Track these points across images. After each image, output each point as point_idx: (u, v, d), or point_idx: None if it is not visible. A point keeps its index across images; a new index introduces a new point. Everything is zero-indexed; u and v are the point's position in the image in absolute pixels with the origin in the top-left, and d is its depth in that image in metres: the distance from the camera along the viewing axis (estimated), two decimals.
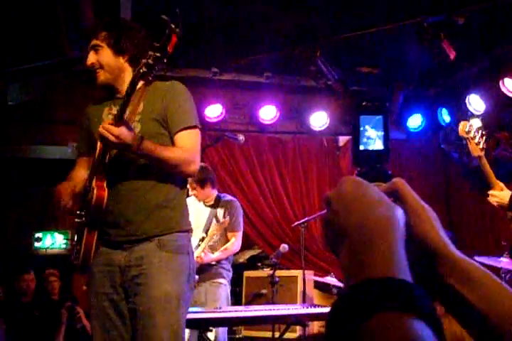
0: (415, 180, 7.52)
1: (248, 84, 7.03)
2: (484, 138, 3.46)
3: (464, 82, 6.56)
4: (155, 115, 2.84)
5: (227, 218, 5.19)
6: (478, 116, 3.65)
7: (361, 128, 1.15)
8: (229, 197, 5.53)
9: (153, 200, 2.79)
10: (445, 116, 6.94)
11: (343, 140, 7.56)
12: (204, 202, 5.44)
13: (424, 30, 5.70)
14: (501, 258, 5.31)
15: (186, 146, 2.81)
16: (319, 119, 7.10)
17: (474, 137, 3.44)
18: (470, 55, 6.15)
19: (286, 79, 7.02)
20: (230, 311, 4.54)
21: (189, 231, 2.92)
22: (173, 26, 2.51)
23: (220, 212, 5.40)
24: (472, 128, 3.44)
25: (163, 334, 2.64)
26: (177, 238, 2.82)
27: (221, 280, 5.24)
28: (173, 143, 2.84)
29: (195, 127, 2.87)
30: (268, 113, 6.98)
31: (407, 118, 7.31)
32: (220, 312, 4.55)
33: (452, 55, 5.81)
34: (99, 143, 2.75)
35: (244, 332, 5.87)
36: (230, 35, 5.99)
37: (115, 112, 2.74)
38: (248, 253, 6.92)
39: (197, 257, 4.98)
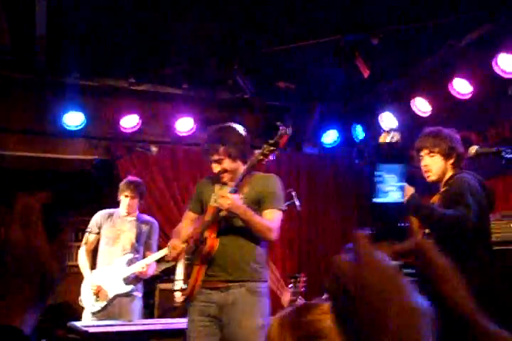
0: (329, 195, 7.65)
1: (165, 95, 6.97)
2: None
3: (378, 100, 6.74)
4: (254, 196, 3.82)
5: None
6: (398, 130, 3.72)
7: (379, 178, 1.05)
8: (148, 217, 5.77)
9: (246, 255, 3.82)
10: (359, 132, 7.11)
11: (258, 153, 7.57)
12: (129, 215, 5.58)
13: (340, 48, 5.81)
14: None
15: (271, 220, 3.77)
16: None
17: None
18: (384, 74, 6.33)
19: (203, 91, 6.99)
20: (142, 324, 4.51)
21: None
22: (285, 131, 3.59)
23: (143, 226, 5.61)
24: (393, 140, 3.52)
25: None
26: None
27: (136, 293, 5.42)
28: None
29: (280, 209, 3.87)
30: (184, 124, 6.93)
31: (322, 133, 7.43)
32: (132, 325, 4.55)
33: (366, 74, 5.95)
34: (210, 207, 3.85)
35: None
36: (147, 45, 5.92)
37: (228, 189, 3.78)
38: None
39: (143, 268, 5.33)
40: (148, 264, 5.33)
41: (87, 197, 7.21)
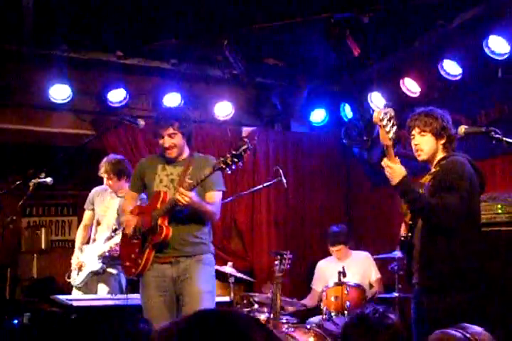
0: (316, 174, 7.66)
1: (153, 70, 6.90)
2: (395, 128, 3.54)
3: (367, 80, 6.71)
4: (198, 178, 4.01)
5: None
6: (392, 107, 3.69)
7: None
8: None
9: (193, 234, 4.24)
10: (348, 112, 7.08)
11: (246, 130, 7.57)
12: (116, 194, 5.63)
13: (330, 26, 5.78)
14: (395, 252, 5.52)
15: (213, 203, 4.25)
16: (224, 109, 7.06)
17: (386, 125, 3.50)
18: (374, 53, 6.30)
19: (192, 67, 6.93)
20: (125, 298, 4.62)
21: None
22: (249, 146, 3.75)
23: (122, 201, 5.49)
24: (386, 116, 3.51)
25: None
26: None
27: (111, 270, 5.55)
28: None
29: (221, 190, 4.33)
30: (172, 100, 6.87)
31: (311, 112, 7.41)
32: (115, 299, 4.82)
33: (356, 53, 5.93)
34: (163, 194, 4.19)
35: None
36: (136, 19, 5.84)
37: (172, 177, 4.28)
38: None
39: (110, 247, 5.35)
40: (116, 244, 5.31)
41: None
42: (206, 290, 4.16)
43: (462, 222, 3.65)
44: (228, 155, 3.77)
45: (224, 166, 3.79)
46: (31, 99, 6.50)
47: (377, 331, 2.49)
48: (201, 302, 4.06)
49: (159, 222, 4.12)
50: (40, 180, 4.72)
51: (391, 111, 3.56)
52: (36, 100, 6.49)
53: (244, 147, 3.74)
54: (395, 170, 3.66)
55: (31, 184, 4.69)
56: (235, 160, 3.75)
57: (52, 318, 4.87)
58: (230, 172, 3.89)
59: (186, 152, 4.38)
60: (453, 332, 2.24)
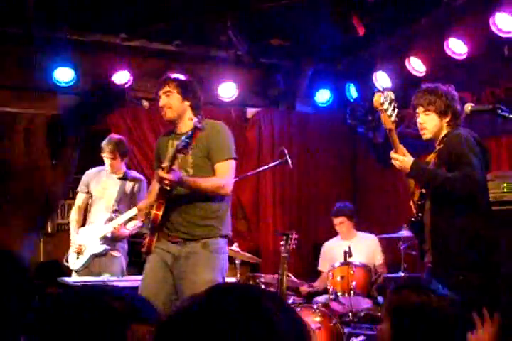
0: (321, 154, 7.65)
1: (157, 51, 6.88)
2: (396, 111, 3.52)
3: (372, 59, 6.67)
4: (202, 151, 3.98)
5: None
6: (391, 90, 3.66)
7: None
8: (136, 174, 5.76)
9: (200, 214, 4.01)
10: (353, 92, 7.06)
11: (251, 112, 7.56)
12: (115, 174, 5.60)
13: (335, 5, 5.73)
14: (401, 231, 5.53)
15: (220, 175, 4.00)
16: (228, 90, 7.03)
17: (387, 109, 3.48)
18: (379, 32, 6.25)
19: (196, 48, 6.91)
20: (134, 280, 4.62)
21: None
22: (199, 127, 3.72)
23: (129, 184, 5.59)
24: (386, 100, 3.48)
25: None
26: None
27: (114, 252, 5.50)
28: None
29: (229, 159, 4.04)
30: None
31: (315, 92, 7.39)
32: (122, 280, 4.86)
33: (361, 32, 5.88)
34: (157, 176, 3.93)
35: None
36: (139, 0, 5.81)
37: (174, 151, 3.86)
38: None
39: (114, 228, 5.33)
40: (120, 224, 5.31)
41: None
42: (208, 279, 3.83)
43: (480, 192, 3.62)
44: (185, 136, 3.76)
45: (181, 148, 3.71)
46: (35, 82, 6.50)
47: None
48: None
49: (154, 205, 4.00)
50: None
51: (391, 94, 3.53)
52: (40, 83, 6.48)
53: (193, 128, 3.74)
54: (402, 161, 3.65)
55: None
56: (187, 141, 3.69)
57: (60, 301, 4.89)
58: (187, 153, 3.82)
59: (190, 122, 3.99)
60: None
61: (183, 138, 3.75)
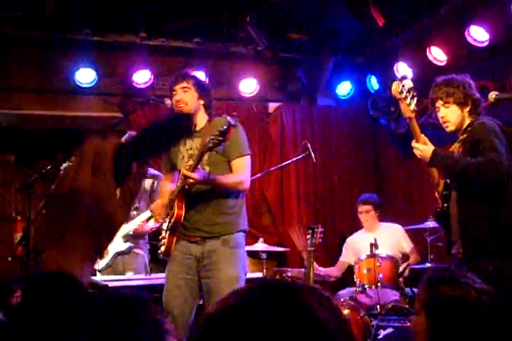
0: (344, 147, 7.63)
1: (177, 49, 6.90)
2: (415, 99, 3.50)
3: (393, 50, 6.62)
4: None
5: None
6: (409, 78, 3.63)
7: None
8: (155, 171, 5.66)
9: (218, 210, 4.05)
10: (374, 84, 7.01)
11: (272, 106, 7.56)
12: None
13: None
14: (427, 222, 5.49)
15: (238, 171, 4.05)
16: (249, 86, 7.05)
17: (406, 98, 3.46)
18: (399, 23, 6.20)
19: (216, 45, 6.92)
20: (158, 278, 4.66)
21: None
22: (230, 124, 3.67)
23: (148, 181, 5.62)
24: (404, 88, 3.46)
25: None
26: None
27: (137, 250, 5.52)
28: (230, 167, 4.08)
29: (245, 155, 4.10)
30: None
31: (336, 85, 7.36)
32: (147, 279, 4.91)
33: (381, 23, 5.85)
34: (181, 175, 3.93)
35: None
36: None
37: (191, 152, 4.07)
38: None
39: (138, 225, 5.32)
40: (143, 221, 5.33)
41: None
42: (233, 275, 3.92)
43: (505, 182, 3.55)
44: (212, 137, 3.72)
45: (212, 146, 3.72)
46: (57, 84, 6.56)
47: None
48: (228, 288, 3.73)
49: (175, 203, 4.02)
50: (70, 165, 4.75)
51: (409, 83, 3.51)
52: (62, 85, 6.55)
53: (226, 126, 3.69)
54: (423, 150, 3.62)
55: (62, 168, 4.73)
56: (220, 139, 3.68)
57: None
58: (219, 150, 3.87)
59: (203, 121, 4.19)
60: None
61: (211, 136, 3.72)
